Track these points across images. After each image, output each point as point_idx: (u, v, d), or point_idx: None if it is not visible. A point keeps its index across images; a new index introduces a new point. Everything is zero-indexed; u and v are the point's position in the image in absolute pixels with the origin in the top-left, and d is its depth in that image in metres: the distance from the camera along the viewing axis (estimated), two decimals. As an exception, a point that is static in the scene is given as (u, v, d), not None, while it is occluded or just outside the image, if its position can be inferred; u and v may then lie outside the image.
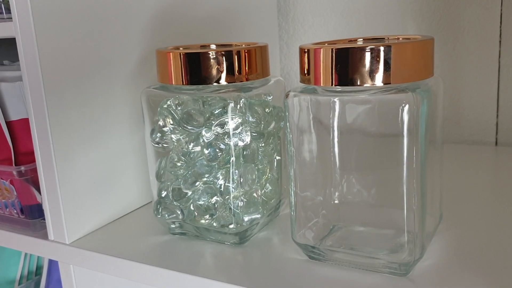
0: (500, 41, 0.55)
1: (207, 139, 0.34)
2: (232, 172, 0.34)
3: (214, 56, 0.33)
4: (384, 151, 0.29)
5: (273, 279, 0.31)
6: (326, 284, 0.30)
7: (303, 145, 0.31)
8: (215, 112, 0.33)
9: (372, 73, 0.28)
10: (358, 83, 0.28)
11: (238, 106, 0.33)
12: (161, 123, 0.35)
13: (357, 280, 0.30)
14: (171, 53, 0.34)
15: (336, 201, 0.32)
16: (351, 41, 0.33)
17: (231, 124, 0.33)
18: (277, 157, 0.38)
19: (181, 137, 0.35)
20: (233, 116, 0.33)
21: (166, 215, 0.37)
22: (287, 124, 0.31)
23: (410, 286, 0.29)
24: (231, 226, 0.34)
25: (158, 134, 0.36)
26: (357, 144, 0.30)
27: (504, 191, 0.42)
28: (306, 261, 0.33)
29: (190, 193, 0.36)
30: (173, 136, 0.36)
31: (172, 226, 0.38)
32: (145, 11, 0.42)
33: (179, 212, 0.36)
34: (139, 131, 0.43)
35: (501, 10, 0.54)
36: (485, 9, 0.54)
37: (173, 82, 0.35)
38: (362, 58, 0.28)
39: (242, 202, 0.34)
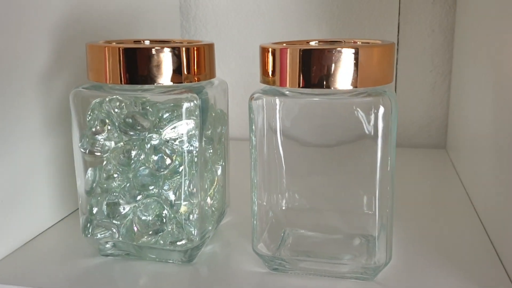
0: (397, 49, 0.58)
1: (155, 146, 0.30)
2: (183, 182, 0.30)
3: (162, 53, 0.29)
4: (353, 155, 0.29)
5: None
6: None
7: (268, 150, 0.29)
8: (165, 116, 0.30)
9: (342, 75, 0.27)
10: (327, 86, 0.27)
11: (192, 108, 0.29)
12: (94, 128, 0.31)
13: (326, 286, 0.29)
14: (108, 48, 0.30)
15: (299, 208, 0.31)
16: (308, 42, 0.32)
17: (183, 128, 0.30)
18: (222, 163, 0.35)
19: (119, 144, 0.31)
20: (187, 120, 0.30)
21: (99, 235, 0.32)
22: (252, 127, 0.29)
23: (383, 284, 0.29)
24: (182, 243, 0.31)
25: (89, 141, 0.31)
26: (324, 147, 0.29)
27: (445, 192, 0.45)
28: (268, 274, 0.31)
29: (127, 208, 0.32)
30: (106, 143, 0.31)
31: (103, 246, 0.33)
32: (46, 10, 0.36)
33: (114, 230, 0.32)
34: (50, 137, 0.37)
35: (398, 19, 0.58)
36: (384, 18, 0.58)
37: (109, 81, 0.30)
38: (332, 59, 0.27)
39: (193, 215, 0.31)
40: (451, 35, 0.57)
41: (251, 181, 0.30)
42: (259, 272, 0.31)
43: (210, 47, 0.31)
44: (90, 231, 0.32)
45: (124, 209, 0.31)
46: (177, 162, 0.30)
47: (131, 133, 0.30)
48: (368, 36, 0.58)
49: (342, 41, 0.32)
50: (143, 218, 0.31)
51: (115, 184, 0.31)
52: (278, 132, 0.29)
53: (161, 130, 0.30)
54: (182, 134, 0.30)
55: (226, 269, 0.31)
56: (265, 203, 0.30)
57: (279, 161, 0.30)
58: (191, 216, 0.31)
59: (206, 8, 0.63)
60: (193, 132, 0.30)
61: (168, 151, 0.30)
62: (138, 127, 0.30)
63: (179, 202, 0.31)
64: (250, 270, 0.31)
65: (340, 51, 0.27)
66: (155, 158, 0.30)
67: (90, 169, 0.32)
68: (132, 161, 0.30)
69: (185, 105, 0.29)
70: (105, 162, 0.31)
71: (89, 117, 0.31)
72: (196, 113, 0.29)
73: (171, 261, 0.32)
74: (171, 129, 0.30)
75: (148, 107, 0.30)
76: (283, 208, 0.31)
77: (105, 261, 0.33)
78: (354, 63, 0.27)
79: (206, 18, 0.63)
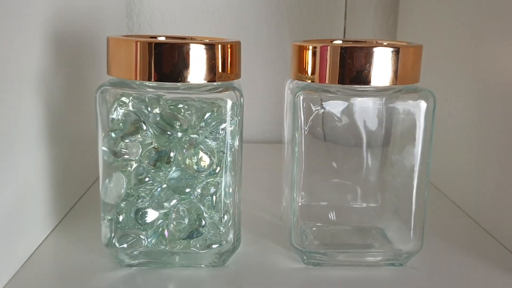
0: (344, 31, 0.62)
1: (204, 146, 0.29)
2: (223, 182, 0.29)
3: (198, 50, 0.28)
4: (394, 151, 0.30)
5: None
6: (342, 285, 0.29)
7: (310, 147, 0.30)
8: (206, 115, 0.29)
9: (383, 73, 0.29)
10: (368, 83, 0.29)
11: (236, 107, 0.29)
12: (125, 128, 0.28)
13: (365, 275, 0.30)
14: (139, 42, 0.28)
15: (336, 204, 0.31)
16: (332, 41, 0.33)
17: (227, 128, 0.29)
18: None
19: (151, 145, 0.29)
20: (231, 119, 0.29)
21: (125, 244, 0.30)
22: (297, 124, 0.29)
23: (413, 273, 0.31)
24: (217, 245, 0.30)
25: (118, 142, 0.29)
26: (365, 144, 0.31)
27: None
28: (306, 268, 0.31)
29: (158, 214, 0.30)
30: (135, 144, 0.29)
31: (125, 256, 0.30)
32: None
33: (143, 237, 0.30)
34: (46, 144, 0.33)
35: (344, 23, 0.61)
36: (331, 23, 0.61)
37: (138, 78, 0.28)
38: (373, 57, 0.28)
39: (230, 217, 0.30)
40: (393, 39, 0.62)
41: (292, 178, 0.30)
42: (297, 267, 0.31)
43: (239, 45, 0.31)
44: (118, 240, 0.29)
45: (155, 215, 0.30)
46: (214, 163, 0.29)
47: (169, 132, 0.28)
48: (315, 37, 0.61)
49: (364, 41, 0.34)
50: (177, 223, 0.30)
51: (148, 188, 0.29)
52: (321, 129, 0.30)
53: (200, 130, 0.29)
54: (225, 133, 0.29)
55: (262, 269, 0.31)
56: (304, 200, 0.31)
57: (319, 158, 0.30)
58: (226, 217, 0.30)
59: (151, 5, 0.60)
60: (235, 131, 0.29)
61: (208, 151, 0.29)
62: (177, 126, 0.28)
63: (217, 204, 0.30)
64: (287, 266, 0.31)
65: (383, 50, 0.28)
66: (195, 158, 0.29)
67: (118, 174, 0.29)
68: (171, 163, 0.29)
69: (229, 103, 0.28)
70: (135, 166, 0.29)
71: (116, 116, 0.29)
72: (239, 111, 0.29)
73: (203, 266, 0.31)
74: (214, 128, 0.29)
75: (183, 105, 0.29)
76: (316, 204, 0.32)
77: (129, 273, 0.30)
78: (395, 61, 0.29)
79: (151, 15, 0.61)
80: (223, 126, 0.29)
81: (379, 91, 0.29)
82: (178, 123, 0.28)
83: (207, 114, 0.29)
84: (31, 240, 0.32)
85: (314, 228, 0.31)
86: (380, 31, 0.61)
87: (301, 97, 0.29)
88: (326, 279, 0.30)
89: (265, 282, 0.30)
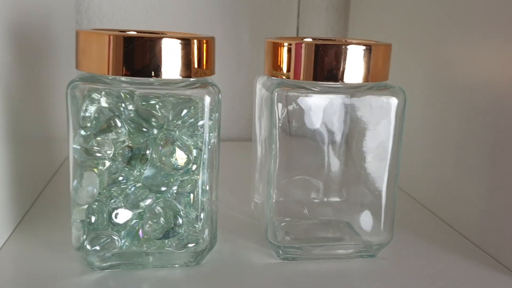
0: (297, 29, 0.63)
1: (181, 143, 0.28)
2: (200, 180, 0.29)
3: (173, 44, 0.27)
4: (365, 145, 0.31)
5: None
6: (319, 278, 0.30)
7: (284, 144, 0.30)
8: (184, 112, 0.28)
9: (356, 70, 0.29)
10: (342, 80, 0.29)
11: (214, 104, 0.28)
12: (98, 125, 0.27)
13: (338, 268, 0.31)
14: (113, 36, 0.27)
15: (310, 199, 0.32)
16: (303, 39, 0.34)
17: (205, 124, 0.28)
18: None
19: (125, 143, 0.28)
20: (209, 116, 0.28)
21: (98, 247, 0.28)
22: (274, 121, 0.29)
23: (385, 264, 0.32)
24: (195, 244, 0.29)
25: (89, 140, 0.27)
26: (338, 139, 0.31)
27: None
28: (281, 263, 0.31)
29: (132, 214, 0.29)
30: (107, 142, 0.28)
31: (97, 259, 0.29)
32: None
33: (116, 238, 0.29)
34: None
35: (297, 22, 0.62)
36: (284, 22, 0.62)
37: (111, 73, 0.27)
38: (347, 55, 0.29)
39: (203, 214, 0.30)
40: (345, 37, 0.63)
41: (268, 175, 0.30)
42: (272, 263, 0.31)
43: (213, 41, 0.30)
44: (90, 243, 0.28)
45: (129, 215, 0.29)
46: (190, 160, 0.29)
47: (145, 129, 0.28)
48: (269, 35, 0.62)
49: (334, 39, 0.34)
50: (152, 222, 0.29)
51: (121, 188, 0.28)
52: (296, 126, 0.30)
53: (177, 127, 0.28)
54: (203, 130, 0.28)
55: (238, 266, 0.31)
56: (280, 197, 0.31)
57: (295, 155, 0.30)
58: (202, 215, 0.30)
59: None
60: (213, 128, 0.29)
61: (185, 149, 0.28)
62: (154, 122, 0.28)
63: (194, 202, 0.29)
64: (263, 262, 0.31)
65: (356, 48, 0.29)
66: (172, 156, 0.28)
67: (91, 173, 0.28)
68: (147, 161, 0.28)
69: (208, 99, 0.28)
70: (108, 164, 0.28)
71: (89, 113, 0.27)
72: (217, 108, 0.29)
73: (177, 266, 0.30)
74: (191, 125, 0.28)
75: (157, 102, 0.28)
76: (291, 199, 0.32)
77: (101, 276, 0.29)
78: (368, 59, 0.29)
79: (101, 10, 0.59)
80: (201, 123, 0.28)
81: (352, 88, 0.30)
82: (154, 120, 0.28)
83: (184, 111, 0.28)
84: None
85: (287, 224, 0.32)
86: (332, 30, 0.63)
87: (277, 94, 0.29)
88: (301, 273, 0.30)
89: (242, 279, 0.30)
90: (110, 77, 0.28)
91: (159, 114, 0.28)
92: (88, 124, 0.28)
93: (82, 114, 0.27)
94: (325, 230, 0.33)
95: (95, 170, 0.28)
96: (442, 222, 0.39)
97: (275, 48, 0.31)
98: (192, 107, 0.28)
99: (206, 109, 0.28)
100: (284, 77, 0.30)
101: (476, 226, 0.35)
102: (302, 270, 0.31)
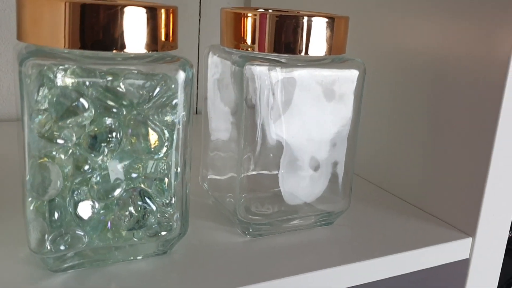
0: (199, 20, 0.61)
1: (153, 124, 0.25)
2: (174, 163, 0.27)
3: (139, 14, 0.24)
4: (331, 113, 0.31)
5: (243, 263, 0.28)
6: (285, 250, 0.30)
7: (251, 118, 0.29)
8: (157, 90, 0.25)
9: (322, 43, 0.29)
10: (306, 52, 0.29)
11: (189, 78, 0.26)
12: (63, 109, 0.23)
13: (302, 238, 0.32)
14: (70, 4, 0.23)
15: (272, 173, 0.31)
16: (256, 9, 0.32)
17: (179, 102, 0.26)
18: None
19: (90, 126, 0.24)
20: (182, 92, 0.26)
21: (62, 246, 0.25)
22: (245, 96, 0.28)
23: (343, 229, 0.33)
24: (167, 232, 0.27)
25: (50, 124, 0.23)
26: (302, 109, 0.31)
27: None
28: (251, 240, 0.31)
29: (99, 205, 0.26)
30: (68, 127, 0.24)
31: (56, 261, 0.26)
32: None
33: (82, 234, 0.25)
34: None
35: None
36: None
37: (68, 46, 0.23)
38: (316, 27, 0.29)
39: (174, 199, 0.28)
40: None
41: (239, 151, 0.29)
42: (242, 241, 0.31)
43: (177, 11, 0.28)
44: (50, 244, 0.25)
45: (95, 207, 0.25)
46: (166, 142, 0.26)
47: (115, 110, 0.25)
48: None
49: (286, 11, 0.34)
50: (121, 213, 0.26)
51: (85, 178, 0.25)
52: (267, 100, 0.29)
53: (148, 106, 0.25)
54: (176, 109, 0.26)
55: (206, 248, 0.30)
56: (248, 173, 0.30)
57: (262, 129, 0.30)
58: (173, 200, 0.28)
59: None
60: (186, 105, 0.27)
61: (158, 129, 0.26)
62: (124, 101, 0.25)
63: (167, 187, 0.27)
64: (232, 241, 0.31)
65: (320, 20, 0.29)
66: (146, 138, 0.25)
67: (51, 165, 0.24)
68: (118, 144, 0.25)
69: (182, 75, 0.26)
70: (70, 152, 0.24)
71: (46, 94, 0.23)
72: (191, 83, 0.26)
73: (140, 257, 0.28)
74: (163, 104, 0.26)
75: (123, 78, 0.25)
76: (249, 174, 0.31)
77: (64, 279, 0.26)
78: (331, 31, 0.29)
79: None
80: (174, 101, 0.26)
81: (317, 61, 0.30)
82: (124, 99, 0.25)
83: (157, 89, 0.25)
84: None
85: (254, 200, 0.31)
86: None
87: (248, 68, 0.28)
88: (271, 248, 0.30)
89: (215, 261, 0.28)
90: (66, 51, 0.24)
91: (130, 93, 0.25)
92: (45, 107, 0.24)
93: (39, 95, 0.23)
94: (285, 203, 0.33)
95: (56, 159, 0.24)
96: (386, 192, 0.41)
97: (237, 19, 0.29)
98: (164, 84, 0.26)
99: (180, 86, 0.26)
100: (250, 49, 0.29)
101: (416, 192, 0.38)
102: (273, 245, 0.31)
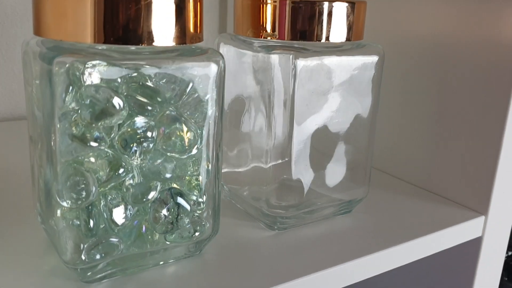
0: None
1: (188, 121, 0.24)
2: (205, 160, 0.26)
3: (173, 5, 0.23)
4: (350, 99, 0.31)
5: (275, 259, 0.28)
6: (312, 242, 0.30)
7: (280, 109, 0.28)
8: (190, 85, 0.24)
9: (344, 29, 0.29)
10: (329, 39, 0.29)
11: (220, 74, 0.25)
12: (98, 109, 0.22)
13: (325, 228, 0.31)
14: (99, -5, 0.21)
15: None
16: None
17: (212, 98, 0.25)
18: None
19: (124, 127, 0.23)
20: (214, 87, 0.25)
21: (98, 255, 0.23)
22: (273, 85, 0.27)
23: (362, 217, 0.33)
24: (198, 234, 0.26)
25: (92, 126, 0.22)
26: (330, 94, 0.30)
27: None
28: (277, 234, 0.30)
29: (134, 209, 0.24)
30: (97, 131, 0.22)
31: (90, 271, 0.24)
32: None
33: (116, 241, 0.24)
34: None
35: None
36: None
37: (96, 40, 0.22)
38: (337, 14, 0.28)
39: (205, 197, 0.27)
40: None
41: (267, 142, 0.28)
42: (269, 235, 0.30)
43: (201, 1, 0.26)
44: (85, 253, 0.23)
45: (130, 211, 0.24)
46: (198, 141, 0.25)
47: (149, 107, 0.23)
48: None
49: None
50: (155, 215, 0.25)
51: (126, 182, 0.23)
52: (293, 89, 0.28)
53: (181, 103, 0.24)
54: (209, 103, 0.25)
55: (237, 246, 0.29)
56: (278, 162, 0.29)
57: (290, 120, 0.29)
58: (204, 198, 0.27)
59: None
60: (218, 100, 0.25)
61: (192, 126, 0.25)
62: (159, 98, 0.23)
63: (199, 185, 0.26)
64: (259, 236, 0.30)
65: (342, 4, 0.28)
66: (181, 136, 0.24)
67: (84, 171, 0.22)
68: (153, 144, 0.23)
69: (214, 68, 0.24)
70: (103, 154, 0.23)
71: (79, 94, 0.22)
72: (222, 77, 0.25)
73: (172, 261, 0.27)
74: (196, 100, 0.24)
75: (155, 73, 0.24)
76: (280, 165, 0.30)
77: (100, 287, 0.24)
78: (352, 17, 0.29)
79: None
80: (207, 96, 0.25)
81: (339, 47, 0.29)
82: (160, 96, 0.23)
83: (190, 84, 0.24)
84: None
85: (280, 193, 0.30)
86: None
87: (275, 56, 0.27)
88: (300, 241, 0.30)
89: (248, 258, 0.28)
90: (90, 46, 0.22)
91: (164, 89, 0.23)
92: (75, 107, 0.22)
93: (68, 95, 0.22)
94: (311, 193, 0.33)
95: (89, 163, 0.23)
96: (399, 180, 0.41)
97: (256, 7, 0.28)
98: (197, 79, 0.24)
99: (212, 80, 0.25)
100: (269, 38, 0.28)
101: (428, 176, 0.38)
102: (298, 237, 0.30)
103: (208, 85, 0.25)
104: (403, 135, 0.40)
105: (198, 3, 0.24)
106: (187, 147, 0.25)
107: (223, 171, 0.34)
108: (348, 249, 0.29)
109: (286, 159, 0.29)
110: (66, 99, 0.22)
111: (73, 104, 0.22)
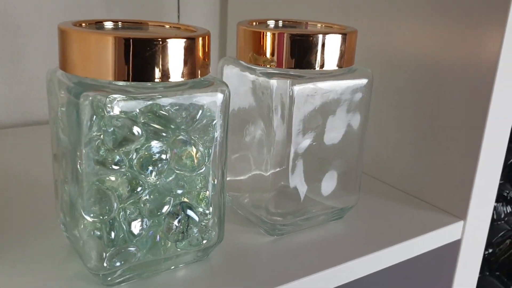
0: (178, 16, 0.61)
1: (196, 144, 0.27)
2: (211, 176, 0.29)
3: (182, 44, 0.26)
4: (342, 120, 0.34)
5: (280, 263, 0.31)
6: (309, 246, 0.33)
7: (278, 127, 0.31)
8: (199, 113, 0.27)
9: (332, 57, 0.32)
10: (323, 67, 0.32)
11: (225, 101, 0.28)
12: (118, 137, 0.25)
13: (318, 234, 0.35)
14: (116, 38, 0.24)
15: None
16: (277, 21, 0.35)
17: (218, 123, 0.28)
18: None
19: (141, 151, 0.26)
20: (220, 113, 0.28)
21: (118, 263, 0.27)
22: (272, 108, 0.30)
23: (353, 222, 0.37)
24: (207, 240, 0.30)
25: (107, 152, 0.25)
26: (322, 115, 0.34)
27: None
28: (278, 240, 0.33)
29: (148, 222, 0.27)
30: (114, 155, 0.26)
31: (111, 276, 0.27)
32: None
33: (134, 250, 0.27)
34: None
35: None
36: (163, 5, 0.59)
37: (116, 78, 0.25)
38: (329, 43, 0.31)
39: (212, 208, 0.30)
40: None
41: (265, 158, 0.31)
42: (268, 240, 0.33)
43: (210, 36, 0.29)
44: (107, 261, 0.26)
45: (146, 224, 0.27)
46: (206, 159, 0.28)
47: (164, 134, 0.26)
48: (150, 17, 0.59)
49: (295, 22, 0.36)
50: (170, 225, 0.28)
51: (143, 197, 0.27)
52: (289, 111, 0.31)
53: (191, 129, 0.27)
54: (214, 129, 0.28)
55: (239, 251, 0.32)
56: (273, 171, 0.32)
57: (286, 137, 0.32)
58: (211, 210, 0.30)
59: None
60: (223, 124, 0.28)
61: (200, 148, 0.28)
62: (172, 125, 0.26)
63: (205, 198, 0.29)
64: (259, 242, 0.33)
65: (335, 36, 0.31)
66: (191, 157, 0.27)
67: (105, 190, 0.25)
68: (165, 166, 0.27)
69: (219, 97, 0.28)
70: (123, 175, 0.26)
71: (97, 121, 0.25)
72: (227, 104, 0.28)
73: (182, 265, 0.30)
74: (204, 126, 0.28)
75: (168, 105, 0.27)
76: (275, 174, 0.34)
77: (120, 291, 0.28)
78: (343, 46, 0.32)
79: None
80: (214, 122, 0.28)
81: (330, 74, 0.32)
82: (172, 123, 0.26)
83: (199, 112, 0.27)
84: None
85: (278, 201, 0.34)
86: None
87: (273, 82, 0.30)
88: (297, 246, 0.33)
89: (251, 261, 0.31)
90: (119, 83, 0.25)
91: (174, 117, 0.27)
92: (97, 134, 0.25)
93: (92, 124, 0.25)
94: (306, 201, 0.36)
95: (111, 182, 0.26)
96: (386, 184, 0.45)
97: (256, 36, 0.31)
98: (205, 108, 0.27)
99: (218, 108, 0.28)
100: (268, 65, 0.31)
101: (412, 182, 0.42)
102: (294, 243, 0.33)
103: (216, 112, 0.28)
104: (391, 143, 0.43)
105: (206, 41, 0.27)
106: (196, 166, 0.28)
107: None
108: (340, 253, 0.33)
109: (284, 167, 0.32)
110: (91, 127, 0.25)
111: (96, 132, 0.25)
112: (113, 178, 0.26)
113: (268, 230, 0.34)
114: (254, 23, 0.34)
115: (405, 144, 0.42)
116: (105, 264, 0.26)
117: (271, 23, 0.35)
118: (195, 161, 0.28)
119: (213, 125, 0.28)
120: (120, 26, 0.30)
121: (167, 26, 0.30)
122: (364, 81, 0.33)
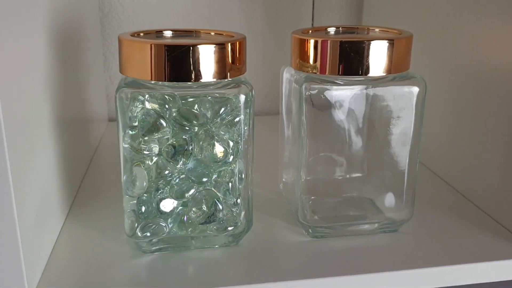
0: (312, 24, 0.64)
1: (219, 138, 0.31)
2: (238, 169, 0.32)
3: (210, 50, 0.29)
4: (390, 129, 0.33)
5: (302, 265, 0.32)
6: (345, 254, 0.33)
7: (313, 132, 0.33)
8: (222, 110, 0.30)
9: (380, 63, 0.31)
10: (369, 73, 0.31)
11: (248, 100, 0.31)
12: (146, 126, 0.30)
13: (364, 243, 0.34)
14: (154, 45, 0.29)
15: (337, 179, 0.35)
16: (326, 28, 0.36)
17: (242, 120, 0.31)
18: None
19: (170, 140, 0.31)
20: (245, 111, 0.31)
21: (148, 233, 0.32)
22: (302, 111, 0.32)
23: (407, 238, 0.35)
24: (233, 227, 0.33)
25: (138, 139, 0.30)
26: (363, 125, 0.34)
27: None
28: (312, 241, 0.34)
29: (177, 202, 0.32)
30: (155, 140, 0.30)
31: (147, 244, 0.32)
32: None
33: (164, 225, 0.32)
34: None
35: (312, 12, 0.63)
36: (299, 12, 0.63)
37: (154, 78, 0.30)
38: (373, 50, 0.31)
39: (240, 199, 0.33)
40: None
41: (299, 158, 0.33)
42: (303, 240, 0.35)
43: (245, 41, 0.32)
44: (143, 230, 0.31)
45: (174, 203, 0.32)
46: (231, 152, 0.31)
47: (187, 127, 0.30)
48: (287, 23, 0.63)
49: (356, 28, 0.36)
50: (196, 209, 0.32)
51: (167, 180, 0.31)
52: (323, 115, 0.32)
53: (216, 123, 0.31)
54: (239, 125, 0.31)
55: (271, 244, 0.34)
56: (308, 178, 0.34)
57: (323, 139, 0.33)
58: (239, 201, 0.33)
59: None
60: (247, 122, 0.31)
61: (223, 142, 0.31)
62: (195, 121, 0.30)
63: (232, 190, 0.32)
64: (294, 240, 0.34)
65: (379, 43, 0.31)
66: (212, 150, 0.31)
67: (140, 169, 0.31)
68: (190, 156, 0.31)
69: (242, 97, 0.30)
70: (155, 160, 0.31)
71: (136, 115, 0.30)
72: (251, 104, 0.31)
73: (218, 246, 0.34)
74: (228, 121, 0.31)
75: (197, 102, 0.31)
76: (314, 179, 0.34)
77: (151, 259, 0.32)
78: (390, 52, 0.31)
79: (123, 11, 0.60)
80: (237, 119, 0.31)
81: (375, 80, 0.32)
82: (195, 119, 0.30)
83: (222, 109, 0.30)
84: (52, 233, 0.34)
85: (314, 202, 0.35)
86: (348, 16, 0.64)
87: (305, 87, 0.32)
88: (331, 249, 0.33)
89: (277, 256, 0.33)
90: (152, 82, 0.30)
91: (199, 113, 0.30)
92: (135, 124, 0.30)
93: (129, 115, 0.30)
94: (350, 207, 0.36)
95: (143, 166, 0.31)
96: (459, 194, 0.41)
97: (302, 43, 0.33)
98: (229, 105, 0.31)
99: (241, 106, 0.31)
100: (310, 71, 0.32)
101: (492, 199, 0.37)
102: (331, 247, 0.34)
103: (239, 111, 0.31)
104: (472, 149, 0.39)
105: (238, 45, 0.30)
106: (218, 159, 0.31)
107: (283, 179, 0.39)
108: (372, 264, 0.32)
109: (325, 174, 0.33)
110: (130, 117, 0.30)
111: (135, 122, 0.30)
112: (149, 162, 0.31)
113: (307, 231, 0.35)
114: (310, 31, 0.35)
115: (485, 150, 0.37)
116: (137, 233, 0.32)
117: (332, 30, 0.36)
118: (217, 154, 0.31)
119: (236, 122, 0.31)
120: (172, 34, 0.34)
121: (212, 34, 0.34)
122: (414, 89, 0.32)
